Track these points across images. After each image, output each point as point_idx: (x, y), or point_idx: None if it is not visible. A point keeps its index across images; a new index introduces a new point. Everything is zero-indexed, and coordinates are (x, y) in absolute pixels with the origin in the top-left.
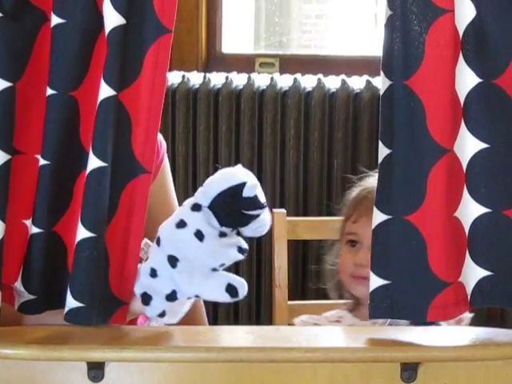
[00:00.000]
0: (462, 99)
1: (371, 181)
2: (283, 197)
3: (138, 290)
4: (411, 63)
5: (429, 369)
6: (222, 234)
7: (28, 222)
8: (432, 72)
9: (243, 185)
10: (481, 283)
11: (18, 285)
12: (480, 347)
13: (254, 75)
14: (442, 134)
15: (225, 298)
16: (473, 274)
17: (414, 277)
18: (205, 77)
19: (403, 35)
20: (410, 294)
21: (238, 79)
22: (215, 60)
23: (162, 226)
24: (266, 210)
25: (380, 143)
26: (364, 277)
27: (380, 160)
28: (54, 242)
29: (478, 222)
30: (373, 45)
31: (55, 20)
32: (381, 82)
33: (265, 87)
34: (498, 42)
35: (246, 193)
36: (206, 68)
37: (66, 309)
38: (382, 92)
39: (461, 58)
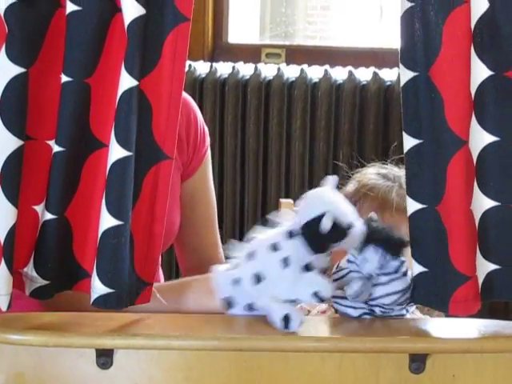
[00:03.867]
0: (473, 92)
1: (369, 175)
2: (288, 187)
3: (222, 293)
4: (430, 54)
5: (437, 360)
6: (308, 268)
7: (38, 208)
8: (449, 63)
9: (322, 216)
10: (489, 277)
11: (30, 270)
12: (489, 339)
13: (260, 65)
14: (460, 125)
15: (278, 325)
16: (482, 267)
17: (437, 269)
18: (211, 66)
19: (422, 26)
20: (434, 286)
21: (245, 69)
22: (221, 50)
23: (258, 242)
24: (355, 227)
25: (404, 134)
26: None
27: (406, 150)
28: (64, 227)
29: (486, 215)
30: (378, 37)
31: (70, 7)
32: (400, 74)
33: (271, 78)
34: (510, 34)
35: (322, 228)
36: (213, 58)
37: (95, 295)
38: (402, 83)
39: (472, 50)
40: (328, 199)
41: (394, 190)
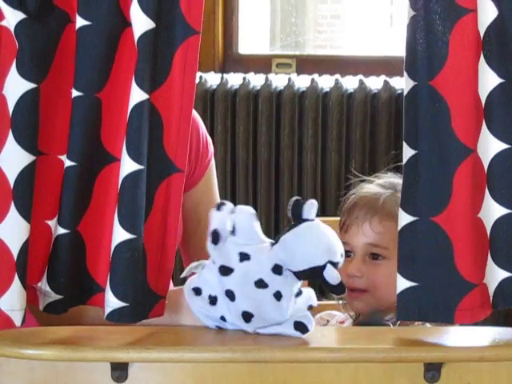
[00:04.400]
0: (483, 99)
1: (366, 184)
2: (301, 197)
3: (210, 324)
4: (435, 63)
5: (452, 369)
6: (299, 293)
7: (51, 223)
8: (456, 72)
9: (325, 267)
10: (502, 284)
11: (43, 285)
12: (504, 347)
13: (271, 76)
14: (466, 134)
15: (295, 333)
16: (494, 275)
17: (441, 279)
18: (222, 77)
19: (427, 35)
20: (437, 297)
21: (256, 80)
22: (232, 61)
23: (233, 280)
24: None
25: (404, 144)
26: (357, 288)
27: (404, 161)
28: (77, 242)
29: (498, 222)
30: (389, 45)
31: (80, 22)
32: (404, 83)
33: (282, 88)
34: None
35: (329, 279)
36: (223, 69)
37: (109, 309)
38: (405, 93)
39: (482, 58)
40: (327, 246)
41: (384, 196)
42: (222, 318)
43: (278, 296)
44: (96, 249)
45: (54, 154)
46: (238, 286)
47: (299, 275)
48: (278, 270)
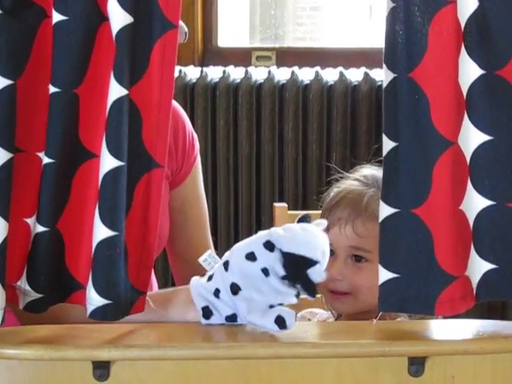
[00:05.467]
0: (464, 91)
1: (348, 180)
2: (282, 190)
3: (199, 303)
4: (415, 55)
5: (436, 362)
6: (284, 278)
7: (30, 221)
8: (435, 64)
9: (314, 263)
10: (486, 276)
11: (23, 284)
12: (488, 340)
13: (251, 69)
14: (446, 126)
15: (273, 328)
16: (478, 267)
17: (421, 271)
18: (202, 71)
19: (406, 27)
20: (418, 288)
21: (235, 73)
22: (212, 54)
23: (231, 251)
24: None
25: (384, 136)
26: (339, 291)
27: (384, 153)
28: (56, 239)
29: (482, 214)
30: (368, 36)
31: (57, 17)
32: (383, 75)
33: (262, 81)
34: (501, 32)
35: (314, 276)
36: (203, 62)
37: (92, 307)
38: (384, 85)
39: (463, 49)
40: (323, 251)
41: (368, 196)
42: (217, 292)
43: (265, 272)
44: (75, 246)
45: (32, 151)
46: (233, 256)
47: (285, 260)
48: (269, 245)
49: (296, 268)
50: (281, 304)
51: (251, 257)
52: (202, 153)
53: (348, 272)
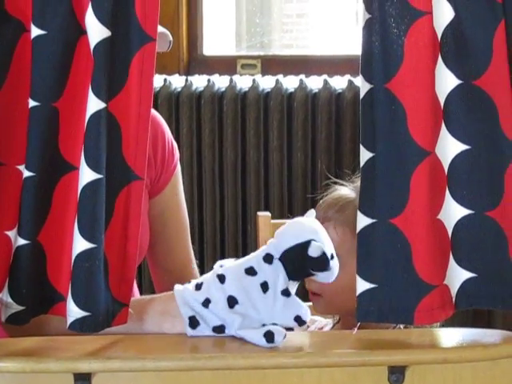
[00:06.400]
0: (442, 101)
1: (338, 188)
2: (268, 198)
3: (186, 312)
4: (391, 66)
5: (416, 371)
6: (286, 294)
7: (11, 234)
8: (412, 74)
9: (309, 243)
10: (465, 285)
11: (5, 296)
12: (467, 349)
13: (235, 77)
14: (423, 136)
15: (261, 342)
16: (457, 276)
17: (400, 280)
18: (187, 80)
19: (382, 38)
20: (396, 298)
21: (220, 82)
22: (197, 63)
23: (228, 268)
24: (335, 260)
25: (361, 147)
26: (311, 291)
27: (362, 164)
28: (38, 252)
29: (460, 223)
30: (355, 43)
31: (35, 31)
32: (360, 86)
33: (247, 89)
34: (477, 43)
35: (311, 252)
36: (188, 71)
37: (71, 319)
38: (361, 96)
39: (440, 59)
40: (313, 229)
41: (345, 201)
42: (206, 302)
43: (264, 287)
44: (57, 258)
45: (12, 164)
46: (230, 270)
47: (285, 259)
48: (268, 258)
49: (296, 260)
50: (274, 325)
51: (251, 271)
52: (187, 161)
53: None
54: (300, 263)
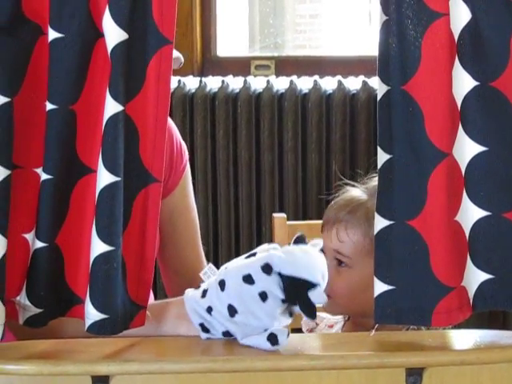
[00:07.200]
0: (459, 103)
1: (350, 189)
2: (282, 200)
3: (195, 319)
4: (408, 68)
5: (434, 373)
6: (283, 301)
7: (28, 236)
8: (429, 76)
9: (314, 286)
10: (482, 287)
11: (23, 299)
12: (484, 350)
13: (249, 78)
14: (440, 138)
15: (266, 346)
16: (474, 277)
17: (418, 282)
18: (201, 81)
19: (399, 40)
20: (414, 300)
21: (234, 83)
22: (211, 64)
23: (227, 270)
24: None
25: (379, 149)
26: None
27: (379, 165)
28: (56, 255)
29: (477, 225)
30: (368, 43)
31: (53, 34)
32: (377, 88)
33: (261, 90)
34: (494, 44)
35: (313, 297)
36: (202, 72)
37: (90, 321)
38: (378, 97)
39: (457, 61)
40: (324, 273)
41: (358, 203)
42: (209, 309)
43: (263, 296)
44: (75, 261)
45: (30, 167)
46: (230, 275)
47: (285, 283)
48: (267, 269)
49: (297, 291)
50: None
51: (249, 280)
52: (201, 163)
53: (329, 274)
54: (296, 295)
